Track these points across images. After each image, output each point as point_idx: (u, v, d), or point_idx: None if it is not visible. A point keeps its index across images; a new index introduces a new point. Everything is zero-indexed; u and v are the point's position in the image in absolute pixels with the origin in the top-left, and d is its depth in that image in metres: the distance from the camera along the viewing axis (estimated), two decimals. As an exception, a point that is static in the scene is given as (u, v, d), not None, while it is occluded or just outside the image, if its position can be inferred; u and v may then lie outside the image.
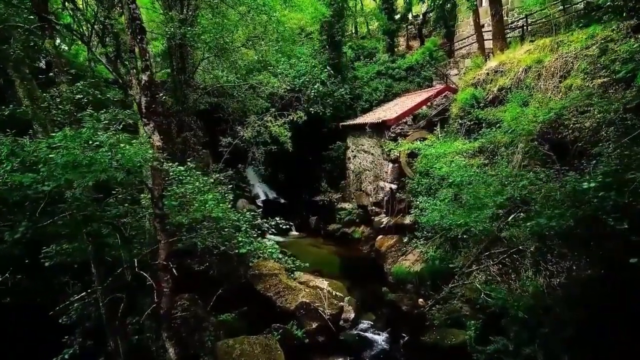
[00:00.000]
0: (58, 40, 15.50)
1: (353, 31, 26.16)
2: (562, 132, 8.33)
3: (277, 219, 6.75)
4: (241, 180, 14.10)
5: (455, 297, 8.59)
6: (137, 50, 4.41)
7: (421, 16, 23.81)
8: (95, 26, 13.03)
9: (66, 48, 17.76)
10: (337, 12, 17.49)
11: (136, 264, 4.77)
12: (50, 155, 3.68)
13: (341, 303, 8.92)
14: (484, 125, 10.54)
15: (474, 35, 17.95)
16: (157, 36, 15.14)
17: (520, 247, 7.36)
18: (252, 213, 6.61)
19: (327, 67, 16.57)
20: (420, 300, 9.71)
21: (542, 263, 6.97)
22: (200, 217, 5.57)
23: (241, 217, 6.20)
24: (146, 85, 4.39)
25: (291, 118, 11.87)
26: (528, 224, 4.77)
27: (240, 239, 5.68)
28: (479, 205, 6.17)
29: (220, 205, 6.24)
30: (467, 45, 18.55)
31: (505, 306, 5.63)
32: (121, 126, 4.58)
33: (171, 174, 5.27)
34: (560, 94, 9.40)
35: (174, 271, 7.43)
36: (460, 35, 20.21)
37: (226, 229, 5.78)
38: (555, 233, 5.25)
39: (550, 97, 9.39)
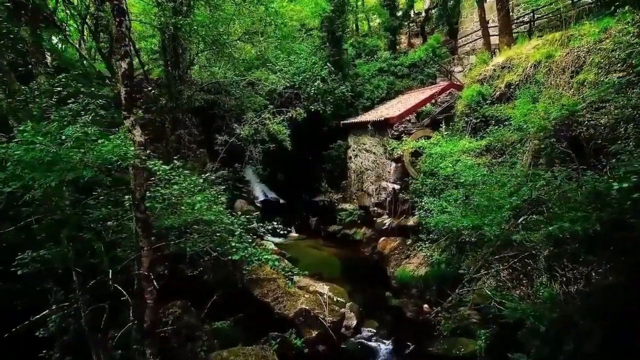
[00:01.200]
0: (54, 39, 15.14)
1: (354, 29, 25.73)
2: (575, 130, 7.90)
3: (274, 223, 6.32)
4: (238, 180, 13.64)
5: (463, 303, 8.15)
6: (116, 34, 3.97)
7: (423, 13, 23.40)
8: (88, 20, 12.65)
9: (62, 46, 17.42)
10: (337, 8, 17.05)
11: (110, 275, 4.33)
12: (16, 152, 3.26)
13: (342, 309, 8.48)
14: (492, 122, 10.08)
15: (478, 32, 17.56)
16: (154, 33, 14.75)
17: (533, 252, 6.94)
18: (248, 216, 6.15)
19: (328, 64, 16.12)
20: (425, 306, 9.27)
21: (558, 269, 6.55)
22: (190, 221, 5.14)
23: (235, 221, 5.76)
24: (126, 74, 3.94)
25: (290, 115, 11.41)
26: (550, 228, 4.33)
27: (233, 244, 5.25)
28: (494, 207, 5.72)
29: (214, 207, 5.81)
30: (471, 42, 18.14)
31: (522, 318, 5.17)
32: (90, 118, 4.13)
33: (158, 173, 4.82)
34: (572, 90, 8.98)
35: (166, 277, 7.01)
36: (463, 32, 19.80)
37: (218, 233, 5.35)
38: (576, 237, 4.84)
39: (561, 93, 8.96)
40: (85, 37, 14.80)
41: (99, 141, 3.77)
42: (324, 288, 9.32)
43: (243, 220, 5.93)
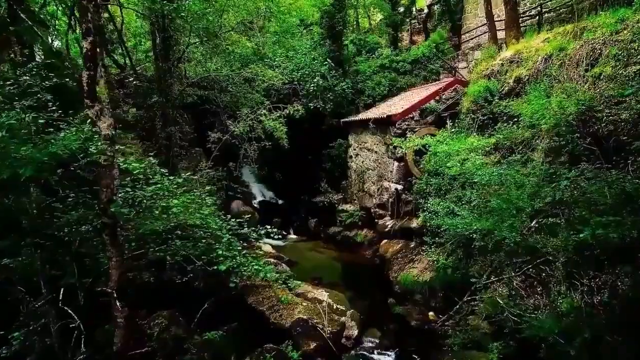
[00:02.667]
0: (50, 39, 14.62)
1: (354, 25, 25.21)
2: (593, 126, 7.36)
3: (268, 227, 5.75)
4: (233, 180, 13.06)
5: (472, 312, 7.62)
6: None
7: (426, 9, 22.86)
8: (76, 12, 12.10)
9: (58, 44, 16.92)
10: (337, 1, 16.49)
11: (62, 293, 3.79)
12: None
13: (343, 318, 7.94)
14: (504, 118, 9.54)
15: (483, 27, 17.01)
16: (144, 28, 14.21)
17: (549, 257, 6.39)
18: (239, 220, 5.57)
19: (328, 60, 15.58)
20: (431, 313, 8.74)
21: (577, 277, 6.01)
22: (173, 225, 4.58)
23: (224, 225, 5.19)
24: (89, 55, 3.40)
25: (288, 112, 10.84)
26: (581, 235, 3.79)
27: (220, 252, 4.68)
28: (512, 210, 5.17)
29: (204, 209, 5.24)
30: (475, 37, 17.60)
31: (545, 335, 4.62)
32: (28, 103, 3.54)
33: (135, 172, 4.25)
34: (588, 84, 8.45)
35: (151, 284, 6.45)
36: (467, 28, 19.27)
37: (204, 240, 4.79)
38: (608, 243, 4.30)
39: (574, 87, 8.44)
40: (77, 31, 14.27)
41: (61, 134, 3.24)
42: (323, 295, 8.79)
43: (233, 224, 5.36)
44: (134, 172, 4.15)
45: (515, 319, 6.00)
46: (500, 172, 6.05)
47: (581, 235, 3.91)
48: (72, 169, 3.67)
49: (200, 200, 5.15)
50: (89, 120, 3.53)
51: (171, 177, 4.66)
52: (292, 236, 15.39)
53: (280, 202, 17.20)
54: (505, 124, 9.39)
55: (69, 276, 4.11)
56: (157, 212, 4.27)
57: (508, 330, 5.70)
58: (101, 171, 3.50)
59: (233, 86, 11.87)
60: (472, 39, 18.10)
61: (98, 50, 3.68)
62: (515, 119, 9.23)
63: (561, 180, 4.97)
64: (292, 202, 17.15)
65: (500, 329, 6.30)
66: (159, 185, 4.33)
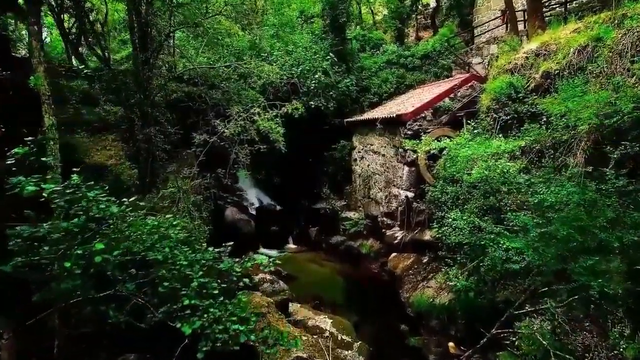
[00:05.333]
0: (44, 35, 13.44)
1: (358, 21, 24.01)
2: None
3: (257, 255, 4.50)
4: (223, 187, 11.80)
5: (502, 346, 6.41)
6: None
7: (433, 2, 21.66)
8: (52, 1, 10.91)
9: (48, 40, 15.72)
10: (340, -9, 15.29)
11: None
12: None
13: (349, 354, 6.72)
14: (539, 118, 8.35)
15: (496, 21, 15.87)
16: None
17: (606, 290, 5.17)
18: (218, 249, 4.24)
19: (330, 55, 14.34)
20: (451, 344, 7.53)
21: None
22: (121, 261, 3.34)
23: (197, 258, 3.85)
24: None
25: (286, 110, 9.62)
26: None
27: (186, 302, 3.41)
28: (591, 243, 3.93)
29: (172, 233, 4.01)
30: (488, 31, 16.41)
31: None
32: None
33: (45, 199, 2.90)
34: (635, 78, 7.27)
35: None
36: (479, 21, 18.08)
37: (167, 283, 3.52)
38: None
39: (622, 81, 7.25)
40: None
41: None
42: (325, 322, 7.60)
43: (210, 256, 4.05)
44: (44, 199, 2.86)
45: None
46: (570, 190, 4.70)
47: None
48: None
49: (166, 226, 3.92)
50: None
51: (103, 205, 3.35)
52: (291, 246, 14.20)
53: (278, 208, 15.96)
54: (533, 124, 8.22)
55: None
56: (69, 264, 2.95)
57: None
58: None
59: (225, 82, 10.66)
60: (483, 32, 16.95)
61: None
62: (545, 119, 8.08)
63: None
64: (291, 208, 15.90)
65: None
66: (75, 221, 3.04)
